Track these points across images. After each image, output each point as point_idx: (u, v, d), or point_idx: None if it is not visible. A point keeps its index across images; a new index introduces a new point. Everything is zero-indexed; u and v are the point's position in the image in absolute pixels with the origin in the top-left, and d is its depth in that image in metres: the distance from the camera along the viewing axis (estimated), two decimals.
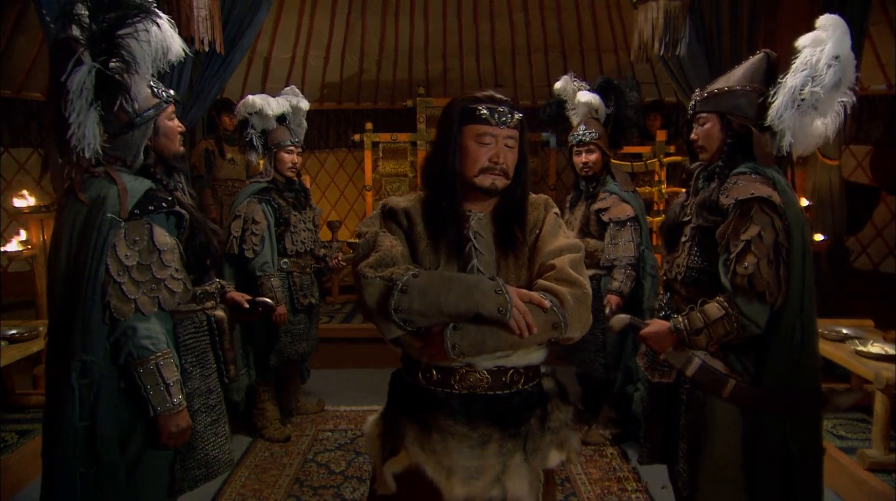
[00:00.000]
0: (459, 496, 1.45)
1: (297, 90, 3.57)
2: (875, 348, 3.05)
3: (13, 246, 4.07)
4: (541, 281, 1.50)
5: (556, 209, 1.66)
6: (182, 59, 1.86)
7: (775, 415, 1.86)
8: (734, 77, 1.99)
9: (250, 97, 3.35)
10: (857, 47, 4.19)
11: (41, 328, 3.34)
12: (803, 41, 1.87)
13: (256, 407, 3.51)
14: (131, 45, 1.68)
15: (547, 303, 1.43)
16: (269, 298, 3.10)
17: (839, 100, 1.85)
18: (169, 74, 3.54)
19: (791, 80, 1.84)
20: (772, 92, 1.89)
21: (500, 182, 1.55)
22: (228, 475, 3.08)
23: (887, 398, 2.84)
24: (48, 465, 1.72)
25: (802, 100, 1.82)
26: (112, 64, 1.67)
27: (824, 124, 1.87)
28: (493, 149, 1.52)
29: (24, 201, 4.28)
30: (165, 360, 1.72)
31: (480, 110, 1.52)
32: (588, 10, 7.00)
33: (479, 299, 1.39)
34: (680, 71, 4.10)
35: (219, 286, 2.09)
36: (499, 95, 1.57)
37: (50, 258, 1.76)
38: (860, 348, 3.06)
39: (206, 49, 3.27)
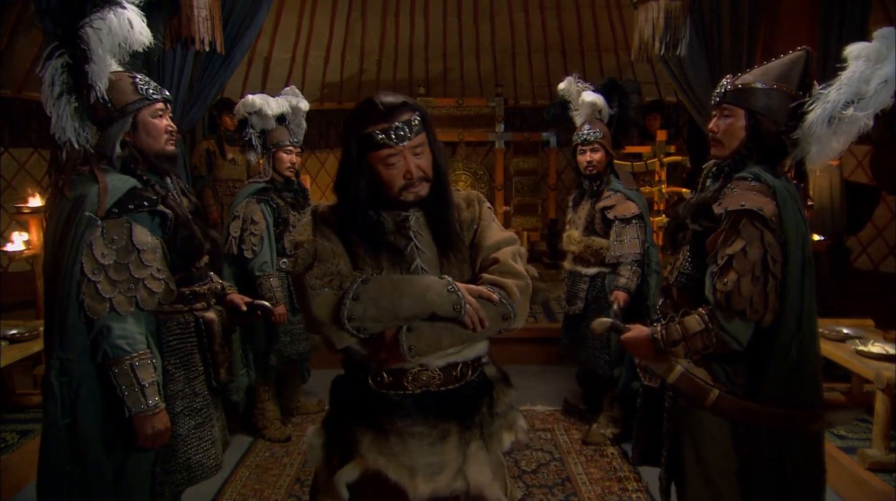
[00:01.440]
0: (424, 493, 1.46)
1: (296, 90, 3.57)
2: (875, 347, 3.04)
3: (16, 245, 4.06)
4: (486, 275, 1.53)
5: (489, 204, 1.68)
6: (149, 48, 1.82)
7: (765, 430, 1.78)
8: (771, 73, 1.81)
9: (250, 97, 3.35)
10: None
11: (41, 328, 3.33)
12: (856, 51, 1.67)
13: (257, 407, 3.51)
14: (88, 34, 1.67)
15: (496, 296, 1.47)
16: (268, 298, 3.12)
17: (865, 124, 1.69)
18: (169, 73, 3.55)
19: (835, 94, 1.67)
20: (809, 100, 1.73)
21: (424, 190, 1.52)
22: (229, 474, 3.08)
23: (888, 398, 2.84)
24: (38, 464, 1.72)
25: (840, 118, 1.67)
26: (76, 54, 1.66)
27: (844, 142, 1.73)
28: (403, 166, 1.46)
29: (35, 200, 4.27)
30: (142, 361, 1.70)
31: (377, 135, 1.44)
32: (588, 10, 7.01)
33: (433, 300, 1.41)
34: (680, 71, 4.10)
35: (217, 287, 2.08)
36: (389, 100, 1.46)
37: (43, 257, 1.76)
38: (861, 347, 3.06)
39: (207, 49, 3.27)
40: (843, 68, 1.69)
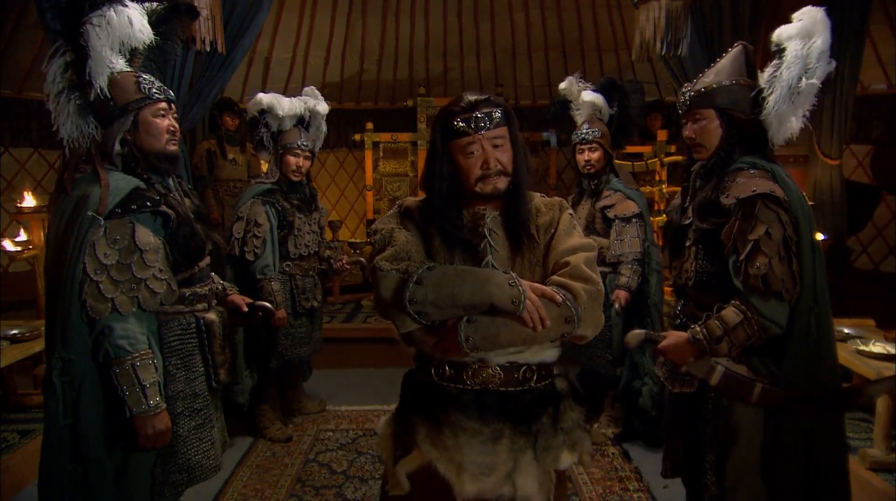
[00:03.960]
0: (470, 492, 1.45)
1: (316, 92, 3.47)
2: (877, 347, 3.04)
3: (16, 245, 4.06)
4: (555, 277, 1.51)
5: (571, 211, 1.66)
6: (160, 47, 1.85)
7: (802, 416, 1.81)
8: (723, 72, 1.95)
9: (259, 95, 3.29)
10: (857, 47, 4.21)
11: (42, 328, 3.33)
12: (787, 33, 1.86)
13: (258, 408, 3.51)
14: (88, 31, 1.68)
15: (559, 297, 1.44)
16: (268, 301, 3.09)
17: (818, 87, 1.86)
18: (170, 73, 3.55)
19: (787, 73, 1.82)
20: (766, 85, 1.87)
21: (502, 183, 1.55)
22: (230, 474, 3.08)
23: (889, 398, 2.84)
24: (40, 464, 1.72)
25: (798, 92, 1.82)
26: (76, 53, 1.68)
27: (801, 117, 1.88)
28: (482, 156, 1.52)
29: (29, 199, 4.27)
30: (143, 361, 1.70)
31: (457, 123, 1.51)
32: (588, 10, 7.01)
33: (492, 291, 1.41)
34: (681, 71, 4.11)
35: (218, 288, 2.08)
36: (474, 97, 1.54)
37: (45, 256, 1.76)
38: (862, 347, 3.06)
39: (208, 49, 3.26)
40: (779, 51, 1.87)
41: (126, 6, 1.74)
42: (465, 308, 1.42)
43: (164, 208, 1.79)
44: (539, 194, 1.69)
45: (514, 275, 1.45)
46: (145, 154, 1.83)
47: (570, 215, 1.64)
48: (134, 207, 1.72)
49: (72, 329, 1.66)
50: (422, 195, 1.65)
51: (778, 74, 1.85)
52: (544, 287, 1.46)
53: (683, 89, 2.03)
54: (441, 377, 1.54)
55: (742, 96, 1.90)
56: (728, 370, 1.85)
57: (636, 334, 2.01)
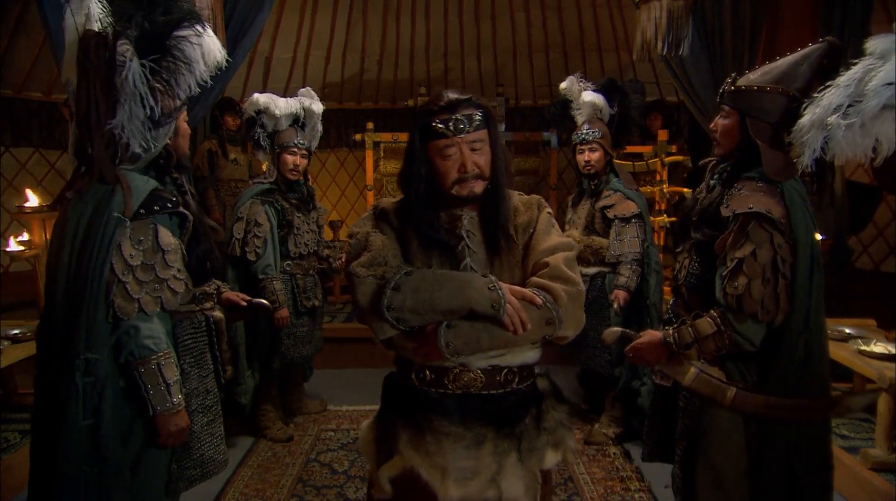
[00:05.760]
0: (454, 497, 1.44)
1: (312, 92, 3.50)
2: (878, 347, 3.04)
3: (18, 244, 4.07)
4: (534, 278, 1.49)
5: (549, 209, 1.64)
6: (222, 68, 1.89)
7: (780, 424, 1.79)
8: (772, 73, 1.77)
9: (256, 95, 3.32)
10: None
11: None
12: (873, 47, 1.55)
13: (259, 407, 3.51)
14: (185, 47, 1.72)
15: (539, 300, 1.43)
16: (270, 301, 3.09)
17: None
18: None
19: (829, 97, 1.58)
20: (805, 103, 1.65)
21: (479, 187, 1.53)
22: (231, 474, 3.08)
23: (890, 398, 2.84)
24: (45, 465, 1.72)
25: (845, 118, 1.55)
26: (165, 63, 1.71)
27: (871, 141, 1.56)
28: (459, 159, 1.49)
29: (32, 200, 4.27)
30: (166, 360, 1.72)
31: (436, 125, 1.49)
32: (589, 10, 7.01)
33: (471, 296, 1.39)
34: (682, 71, 4.10)
35: (216, 287, 2.10)
36: (454, 97, 1.50)
37: (49, 256, 1.75)
38: (863, 347, 3.06)
39: None
40: (853, 63, 1.58)
41: (207, 27, 1.79)
42: (444, 313, 1.40)
43: (181, 209, 1.82)
44: (517, 192, 1.66)
45: (493, 278, 1.44)
46: (178, 158, 1.89)
47: (549, 213, 1.62)
48: (156, 208, 1.74)
49: (97, 331, 1.67)
50: (400, 196, 1.63)
51: (820, 95, 1.60)
52: (524, 290, 1.45)
53: (728, 79, 1.89)
54: (422, 382, 1.53)
55: (774, 106, 1.74)
56: (702, 372, 1.83)
57: (612, 331, 2.01)
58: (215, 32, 3.17)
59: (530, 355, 1.56)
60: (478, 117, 1.50)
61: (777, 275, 1.71)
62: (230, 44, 3.68)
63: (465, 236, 1.54)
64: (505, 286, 1.43)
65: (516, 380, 1.54)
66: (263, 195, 3.28)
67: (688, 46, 3.54)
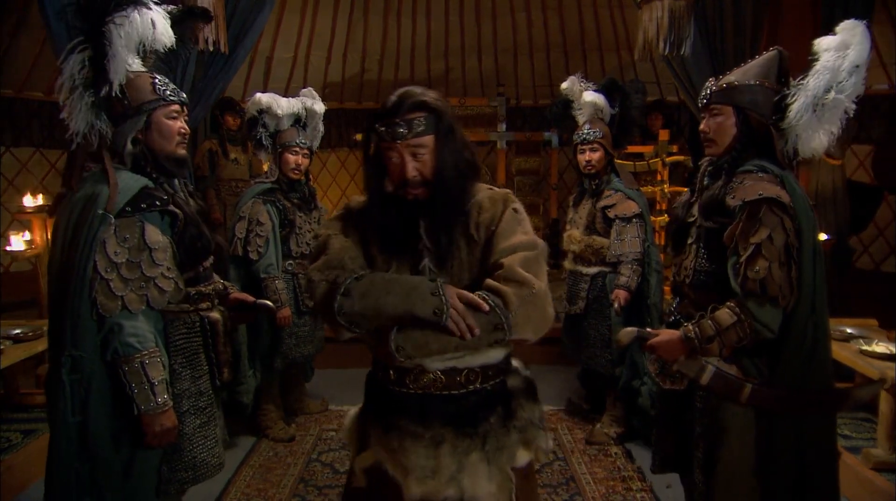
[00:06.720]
0: (416, 494, 1.46)
1: (313, 92, 3.50)
2: (880, 347, 3.05)
3: (18, 244, 4.06)
4: (487, 281, 1.46)
5: (517, 205, 1.57)
6: (172, 49, 1.86)
7: (792, 417, 1.82)
8: (750, 72, 1.93)
9: (258, 95, 3.32)
10: None
11: (45, 328, 3.33)
12: (826, 44, 1.81)
13: (261, 407, 3.51)
14: (111, 31, 1.69)
15: (486, 305, 1.39)
16: (273, 300, 3.10)
17: (847, 108, 1.81)
18: (172, 73, 3.55)
19: (813, 82, 1.79)
20: (791, 92, 1.83)
21: (422, 193, 1.48)
22: (233, 474, 3.08)
23: (892, 398, 2.84)
24: (47, 462, 1.73)
25: (823, 104, 1.78)
26: (95, 51, 1.70)
27: (830, 131, 1.84)
28: (400, 164, 1.46)
29: (33, 199, 4.26)
30: (151, 359, 1.71)
31: (379, 128, 1.46)
32: (590, 10, 7.01)
33: (415, 302, 1.38)
34: (683, 70, 4.11)
35: (219, 288, 2.09)
36: (398, 98, 1.46)
37: (49, 255, 1.77)
38: (865, 347, 3.06)
39: (211, 49, 3.26)
40: (815, 60, 1.81)
41: (150, 9, 1.76)
42: (391, 319, 1.40)
43: (171, 207, 1.80)
44: (487, 186, 1.62)
45: (439, 283, 1.41)
46: (155, 155, 1.84)
47: (514, 210, 1.55)
48: (143, 205, 1.73)
49: (82, 327, 1.67)
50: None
51: (805, 82, 1.81)
52: (470, 295, 1.41)
53: (708, 83, 2.00)
54: (387, 381, 1.54)
55: (764, 99, 1.87)
56: (718, 370, 1.85)
57: (628, 331, 2.00)
58: (216, 32, 3.21)
59: (493, 354, 1.53)
60: (420, 123, 1.44)
61: (790, 259, 1.77)
62: (231, 43, 3.68)
63: (423, 235, 1.52)
64: (451, 291, 1.40)
65: (479, 380, 1.52)
66: (265, 195, 3.28)
67: (689, 46, 3.53)
